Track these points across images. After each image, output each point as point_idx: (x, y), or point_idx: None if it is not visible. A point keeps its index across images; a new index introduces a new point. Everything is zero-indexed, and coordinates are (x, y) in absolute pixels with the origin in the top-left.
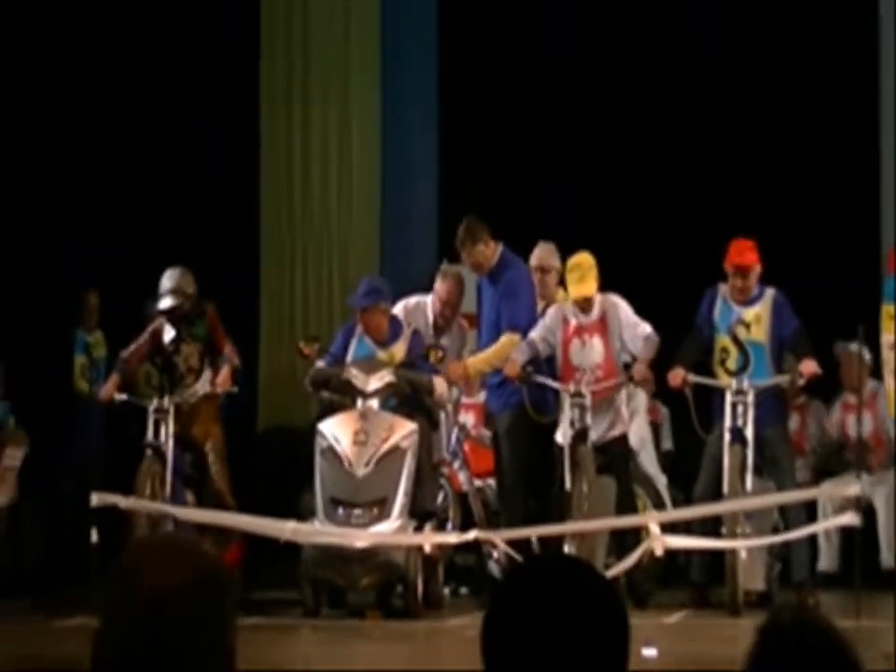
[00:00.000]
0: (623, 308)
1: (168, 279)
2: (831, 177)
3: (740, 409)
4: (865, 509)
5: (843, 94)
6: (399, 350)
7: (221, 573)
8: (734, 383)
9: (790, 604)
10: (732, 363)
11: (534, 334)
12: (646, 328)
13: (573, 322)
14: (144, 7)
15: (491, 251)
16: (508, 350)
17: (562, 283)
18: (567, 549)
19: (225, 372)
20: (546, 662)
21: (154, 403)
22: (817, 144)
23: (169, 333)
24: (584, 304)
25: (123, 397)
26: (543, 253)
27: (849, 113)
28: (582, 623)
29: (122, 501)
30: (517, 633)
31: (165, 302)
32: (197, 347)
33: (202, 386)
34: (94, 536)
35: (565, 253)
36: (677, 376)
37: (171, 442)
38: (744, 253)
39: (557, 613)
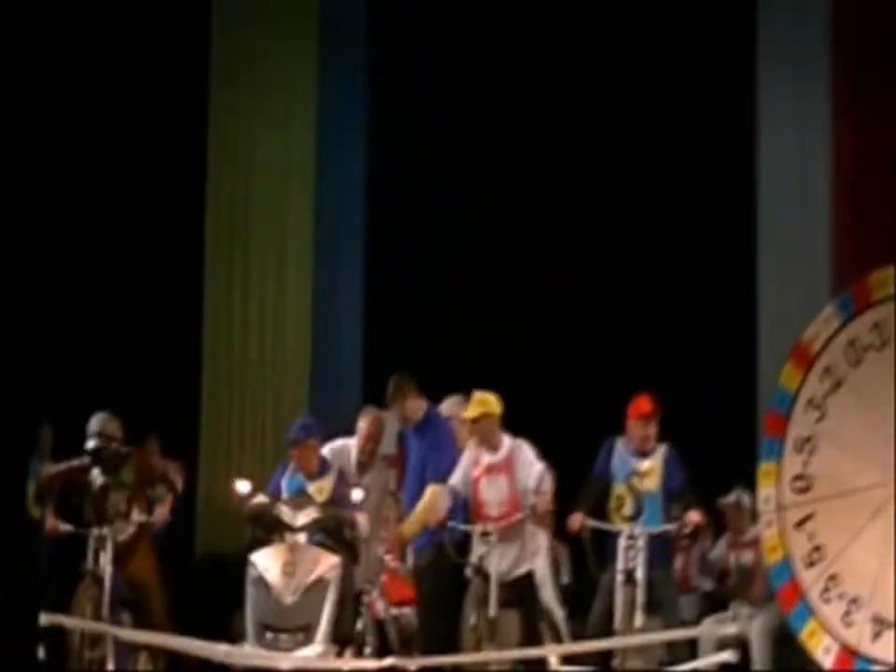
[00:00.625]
0: (525, 449)
1: (94, 423)
2: (710, 344)
3: (631, 553)
4: (741, 641)
5: (720, 254)
6: (328, 483)
7: None
8: (626, 528)
9: None
10: (627, 510)
11: (453, 480)
12: (541, 465)
13: (483, 462)
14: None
15: (418, 406)
16: (434, 501)
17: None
18: None
19: (164, 506)
20: None
21: (94, 532)
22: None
23: (98, 479)
24: (475, 429)
25: (68, 528)
26: (452, 405)
27: (727, 275)
28: None
29: (67, 621)
30: None
31: (90, 443)
32: (124, 494)
33: (132, 524)
34: (41, 652)
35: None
36: (575, 521)
37: (108, 568)
38: (644, 406)
39: None
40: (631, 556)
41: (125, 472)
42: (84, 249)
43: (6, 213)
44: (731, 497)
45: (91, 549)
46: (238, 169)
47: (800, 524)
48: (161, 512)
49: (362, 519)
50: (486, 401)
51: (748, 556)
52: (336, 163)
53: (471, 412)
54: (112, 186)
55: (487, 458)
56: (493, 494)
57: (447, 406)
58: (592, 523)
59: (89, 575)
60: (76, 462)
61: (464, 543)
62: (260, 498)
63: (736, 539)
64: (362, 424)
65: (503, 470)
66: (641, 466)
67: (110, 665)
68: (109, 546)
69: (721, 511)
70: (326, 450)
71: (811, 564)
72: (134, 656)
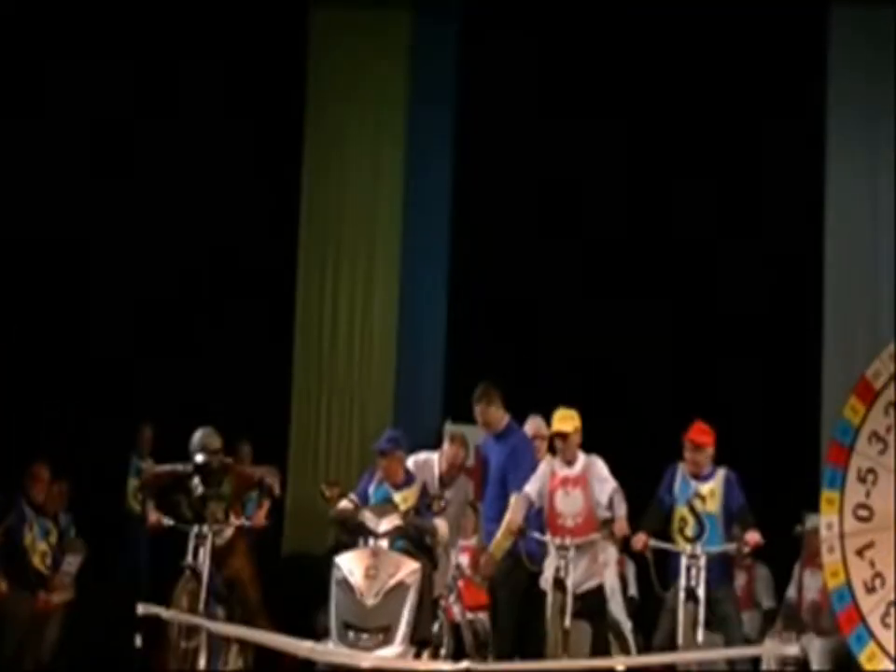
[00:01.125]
0: (599, 464)
1: (198, 437)
2: (776, 372)
3: (693, 571)
4: (803, 661)
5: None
6: (412, 494)
7: None
8: (688, 548)
9: None
10: (689, 531)
11: (528, 488)
12: (613, 483)
13: (559, 474)
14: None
15: (501, 415)
16: (516, 510)
17: (550, 449)
18: None
19: (262, 512)
20: None
21: (195, 529)
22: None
23: (198, 488)
24: (562, 444)
25: (168, 523)
26: (536, 424)
27: (795, 305)
28: None
29: (163, 612)
30: None
31: (198, 457)
32: (222, 505)
33: (231, 529)
34: (138, 640)
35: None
36: (639, 541)
37: (207, 564)
38: (701, 434)
39: None
40: (693, 575)
41: (224, 484)
42: (183, 258)
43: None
44: (809, 523)
45: (191, 545)
46: (330, 184)
47: (861, 551)
48: (259, 516)
49: (442, 527)
50: (574, 416)
51: (820, 576)
52: (424, 179)
53: (564, 425)
54: (211, 206)
55: (563, 471)
56: (568, 506)
57: (531, 425)
58: (655, 542)
59: (188, 569)
60: (179, 467)
61: (537, 553)
62: (345, 504)
63: (813, 560)
64: (447, 448)
65: (579, 484)
66: (702, 489)
67: (203, 657)
68: (208, 543)
69: (797, 538)
70: (410, 462)
71: (871, 590)
72: (226, 650)
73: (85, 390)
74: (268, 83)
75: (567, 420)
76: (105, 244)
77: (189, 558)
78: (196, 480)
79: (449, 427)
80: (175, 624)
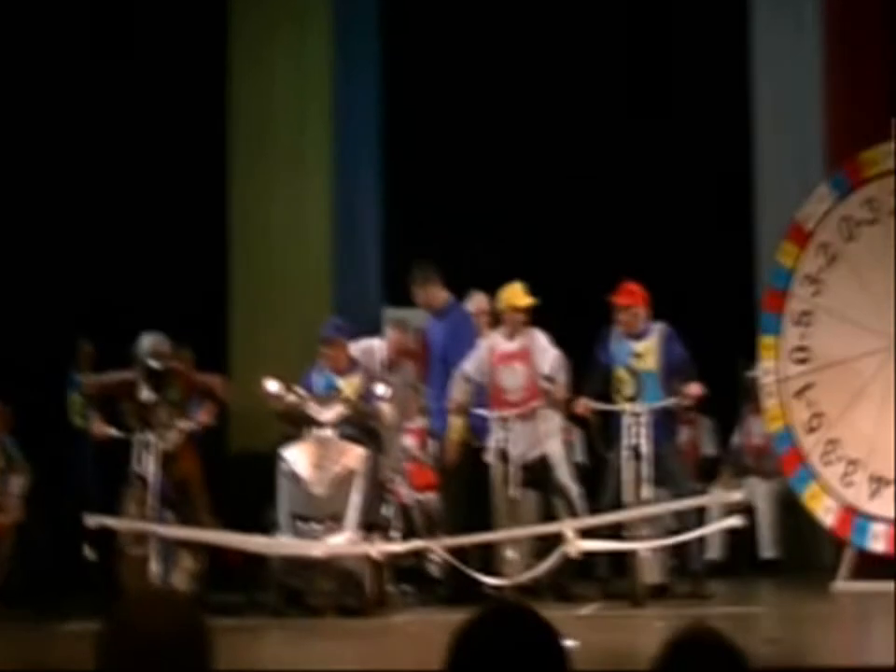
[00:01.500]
0: (540, 336)
1: (147, 342)
2: (708, 221)
3: (635, 429)
4: (747, 507)
5: (717, 136)
6: (357, 380)
7: (202, 622)
8: (628, 407)
9: (691, 624)
10: (628, 390)
11: (466, 365)
12: (555, 351)
13: (500, 350)
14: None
15: (441, 294)
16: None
17: (493, 326)
18: (498, 553)
19: (207, 413)
20: None
21: (140, 437)
22: (693, 194)
23: (144, 393)
24: (515, 318)
25: (115, 433)
26: (477, 300)
27: (724, 155)
28: (532, 663)
29: (112, 522)
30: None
31: (151, 363)
32: (171, 410)
33: (178, 433)
34: (89, 552)
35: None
36: (580, 406)
37: (154, 471)
38: (624, 296)
39: (512, 656)
40: (634, 433)
41: (173, 390)
42: (109, 169)
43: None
44: (757, 371)
45: (136, 453)
46: (257, 78)
47: (800, 393)
48: (204, 420)
49: (387, 411)
50: (526, 292)
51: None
52: (352, 65)
53: (526, 300)
54: (135, 103)
55: (505, 346)
56: (512, 381)
57: (473, 301)
58: (595, 405)
59: (135, 477)
60: (124, 375)
61: (481, 429)
62: (290, 397)
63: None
64: (390, 335)
65: (521, 358)
66: (637, 347)
67: (154, 563)
68: (154, 450)
69: (747, 383)
70: (353, 350)
71: (811, 430)
72: (177, 554)
73: (19, 309)
74: None
75: (527, 295)
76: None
77: (136, 466)
78: (143, 385)
79: (389, 313)
80: (124, 533)
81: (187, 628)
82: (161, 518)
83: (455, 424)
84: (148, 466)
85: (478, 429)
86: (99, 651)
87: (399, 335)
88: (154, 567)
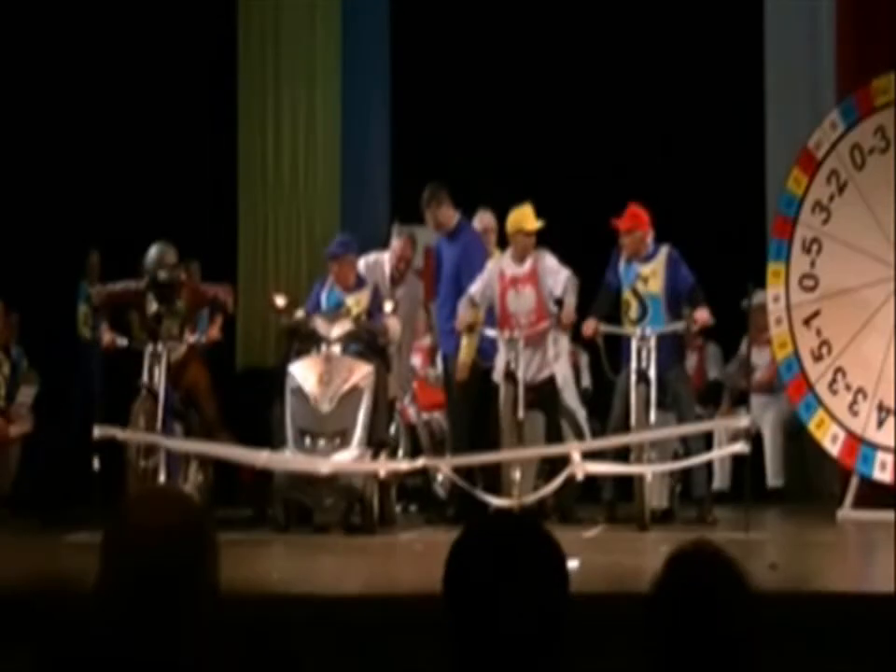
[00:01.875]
0: (548, 258)
1: (155, 252)
2: (719, 147)
3: (643, 353)
4: (753, 435)
5: (729, 64)
6: (364, 297)
7: (204, 518)
8: (637, 330)
9: (692, 540)
10: (633, 313)
11: (473, 289)
12: (566, 272)
13: (508, 273)
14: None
15: (451, 214)
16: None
17: (500, 244)
18: (504, 473)
19: (215, 327)
20: (500, 600)
21: (149, 348)
22: (704, 120)
23: (152, 305)
24: (525, 241)
25: (123, 343)
26: (484, 218)
27: (735, 83)
28: (531, 569)
29: (120, 433)
30: (475, 577)
31: (160, 274)
32: (177, 321)
33: (184, 344)
34: (96, 463)
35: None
36: (589, 327)
37: (163, 382)
38: (627, 218)
39: (510, 562)
40: (643, 357)
41: (179, 301)
42: (121, 81)
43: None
44: (755, 298)
45: (146, 364)
46: (266, 9)
47: (808, 320)
48: (212, 332)
49: (394, 327)
50: (536, 214)
51: (767, 352)
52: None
53: (535, 223)
54: (145, 20)
55: (513, 270)
56: (520, 305)
57: (480, 219)
58: (604, 328)
59: (144, 389)
60: (132, 285)
61: (489, 350)
62: (298, 313)
63: (760, 336)
64: (395, 244)
65: (529, 281)
66: (643, 270)
67: (162, 475)
68: (164, 361)
69: (744, 312)
70: (360, 264)
71: (819, 358)
72: (185, 466)
73: (27, 220)
74: None
75: (533, 218)
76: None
77: (145, 377)
78: (150, 296)
79: (397, 229)
80: (132, 445)
81: (189, 525)
82: (170, 430)
83: (466, 344)
84: (157, 377)
85: (486, 351)
86: (102, 547)
87: (404, 244)
88: (162, 479)
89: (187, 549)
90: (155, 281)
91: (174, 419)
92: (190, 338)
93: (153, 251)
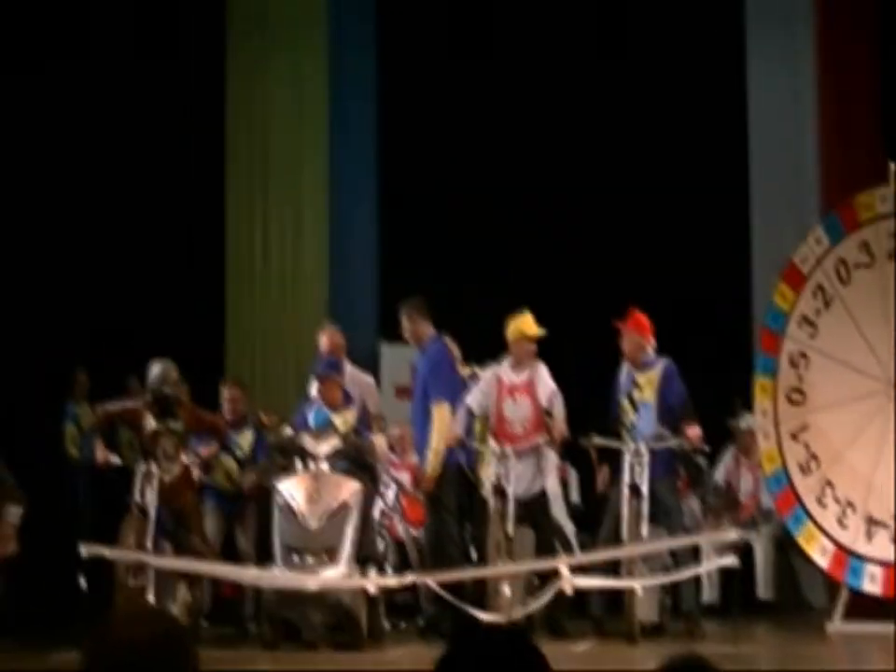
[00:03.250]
0: (543, 368)
1: (158, 369)
2: (705, 259)
3: (636, 468)
4: (743, 547)
5: (714, 175)
6: (351, 415)
7: (184, 633)
8: (631, 445)
9: (681, 652)
10: (628, 420)
11: (470, 399)
12: (552, 386)
13: (506, 381)
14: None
15: (424, 329)
16: (444, 421)
17: (465, 356)
18: (493, 588)
19: (209, 449)
20: None
21: (143, 467)
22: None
23: (150, 423)
24: (528, 348)
25: (117, 461)
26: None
27: (720, 194)
28: None
29: (107, 552)
30: None
31: (166, 389)
32: (174, 440)
33: (180, 465)
34: (83, 582)
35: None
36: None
37: (154, 501)
38: (630, 321)
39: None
40: (637, 472)
41: (177, 421)
42: (105, 195)
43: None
44: (743, 422)
45: (137, 483)
46: (255, 101)
47: (795, 434)
48: (205, 454)
49: (381, 445)
50: (535, 322)
51: (750, 480)
52: (349, 87)
53: (536, 330)
54: (134, 129)
55: (511, 378)
56: (517, 413)
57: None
58: (599, 440)
59: (135, 507)
60: (129, 403)
61: (471, 461)
62: (286, 430)
63: (747, 460)
64: (325, 335)
65: (526, 390)
66: (640, 378)
67: (151, 593)
68: (155, 481)
69: (731, 430)
70: (348, 375)
71: (807, 471)
72: (175, 585)
73: (13, 338)
74: (186, 19)
75: (536, 325)
76: (24, 187)
77: (136, 496)
78: (149, 415)
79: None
80: (121, 563)
81: (171, 641)
82: (160, 549)
83: (432, 460)
84: (149, 496)
85: (469, 462)
86: (84, 664)
87: (334, 335)
88: (151, 597)
89: (166, 665)
90: (156, 398)
91: (164, 538)
92: (185, 459)
93: (156, 368)
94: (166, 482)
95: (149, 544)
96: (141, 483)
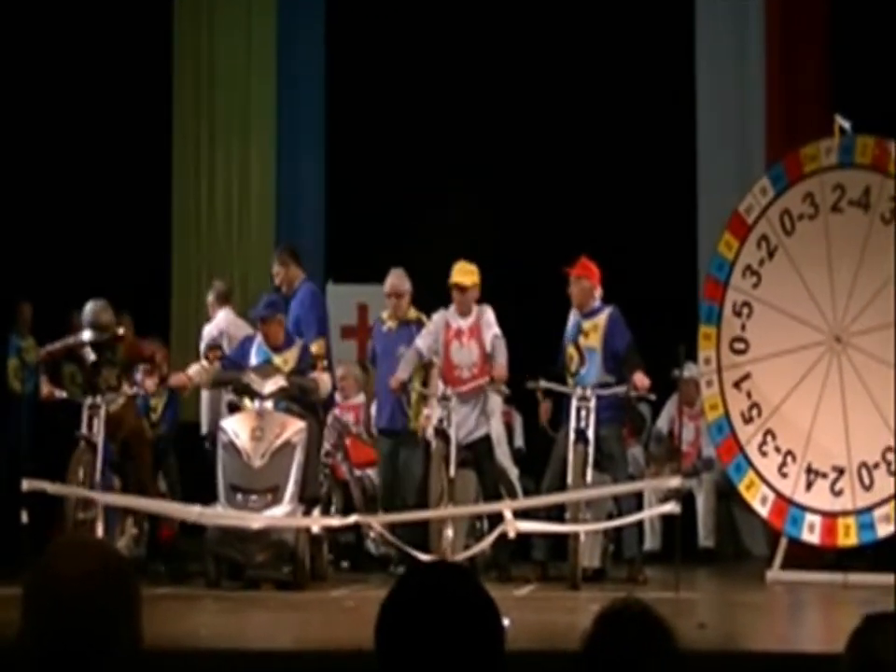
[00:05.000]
0: (489, 313)
1: (89, 313)
2: (651, 209)
3: (583, 413)
4: (684, 496)
5: (660, 126)
6: (292, 356)
7: (125, 566)
8: (578, 390)
9: (623, 597)
10: (574, 366)
11: (419, 343)
12: (495, 330)
13: (453, 325)
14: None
15: (296, 273)
16: (321, 354)
17: (414, 302)
18: (436, 530)
19: (152, 379)
20: (433, 653)
21: (88, 400)
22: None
23: (90, 356)
24: (460, 296)
25: (63, 395)
26: (395, 279)
27: (667, 145)
28: (465, 622)
29: (50, 487)
30: (408, 629)
31: (87, 335)
32: (115, 371)
33: (122, 395)
34: (24, 517)
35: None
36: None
37: (101, 434)
38: (578, 267)
39: (444, 614)
40: (583, 416)
41: (117, 352)
42: (54, 134)
43: None
44: (686, 371)
45: (84, 416)
46: (202, 47)
47: (738, 383)
48: (149, 384)
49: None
50: (473, 271)
51: (692, 429)
52: (297, 36)
53: (464, 279)
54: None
55: (458, 323)
56: (464, 357)
57: (390, 281)
58: (545, 384)
59: (83, 440)
60: (70, 340)
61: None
62: (224, 364)
63: (690, 409)
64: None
65: (472, 335)
66: (586, 324)
67: (100, 527)
68: (102, 412)
69: (674, 381)
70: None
71: (749, 420)
72: (123, 519)
73: None
74: None
75: (466, 273)
76: None
77: (84, 429)
78: (89, 348)
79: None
80: (70, 497)
81: (111, 573)
82: (108, 481)
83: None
84: (96, 429)
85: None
86: (23, 598)
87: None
88: (100, 531)
89: (108, 597)
90: (93, 333)
91: (112, 471)
92: (128, 390)
93: (88, 308)
94: (110, 412)
95: (98, 477)
96: (88, 415)
